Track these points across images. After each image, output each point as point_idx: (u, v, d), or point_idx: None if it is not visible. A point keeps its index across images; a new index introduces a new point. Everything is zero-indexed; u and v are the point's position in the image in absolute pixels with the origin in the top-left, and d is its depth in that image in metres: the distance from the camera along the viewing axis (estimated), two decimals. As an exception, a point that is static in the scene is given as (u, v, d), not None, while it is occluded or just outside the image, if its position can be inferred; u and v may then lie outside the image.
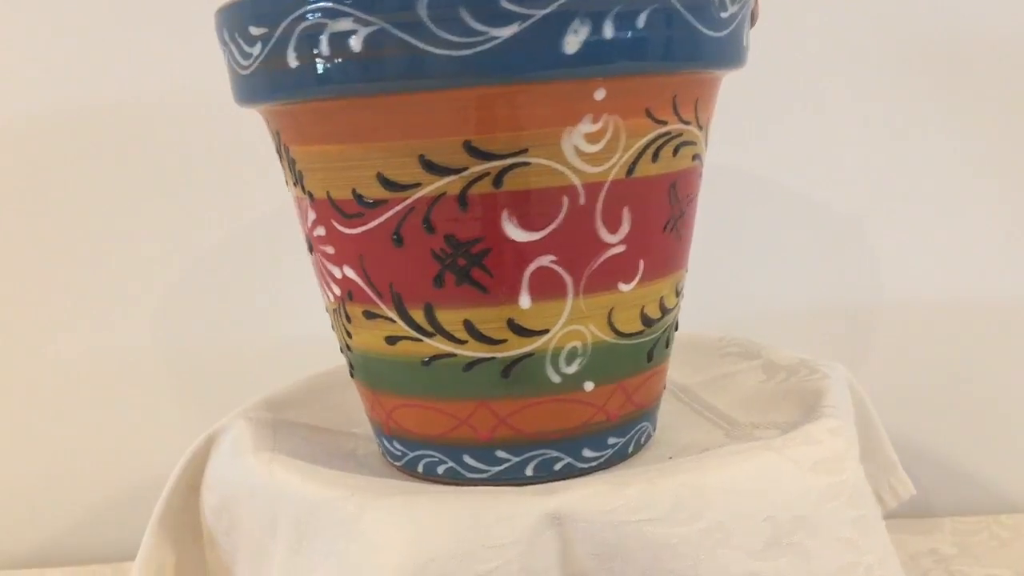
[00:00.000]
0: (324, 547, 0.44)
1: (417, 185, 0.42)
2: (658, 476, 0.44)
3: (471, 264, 0.43)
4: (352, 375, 0.51)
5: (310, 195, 0.46)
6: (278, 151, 0.48)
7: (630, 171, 0.43)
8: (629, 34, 0.40)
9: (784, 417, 0.52)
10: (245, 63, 0.44)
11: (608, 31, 0.40)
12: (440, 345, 0.45)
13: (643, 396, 0.48)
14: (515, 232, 0.42)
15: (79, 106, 0.78)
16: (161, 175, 0.79)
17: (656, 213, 0.45)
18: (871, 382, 0.58)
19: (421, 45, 0.39)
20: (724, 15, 0.43)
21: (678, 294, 0.49)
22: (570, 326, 0.44)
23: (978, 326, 0.82)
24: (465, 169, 0.42)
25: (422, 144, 0.41)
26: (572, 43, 0.39)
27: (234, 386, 0.59)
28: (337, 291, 0.47)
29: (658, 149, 0.44)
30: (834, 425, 0.48)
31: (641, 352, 0.47)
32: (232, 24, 0.44)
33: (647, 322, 0.47)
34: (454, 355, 0.45)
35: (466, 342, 0.44)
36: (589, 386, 0.46)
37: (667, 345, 0.49)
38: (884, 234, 0.81)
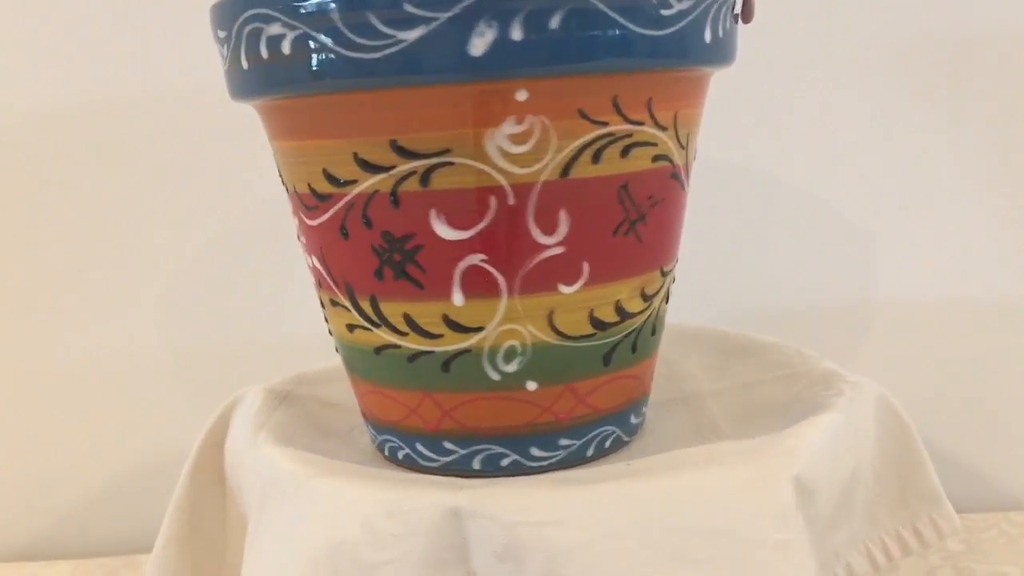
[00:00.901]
0: (270, 517, 0.47)
1: (354, 182, 0.44)
2: (575, 481, 0.44)
3: (405, 260, 0.44)
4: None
5: (286, 187, 0.49)
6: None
7: (565, 172, 0.43)
8: (542, 36, 0.40)
9: (770, 432, 0.49)
10: (222, 62, 0.47)
11: (517, 33, 0.39)
12: (386, 336, 0.46)
13: (601, 400, 0.48)
14: (444, 230, 0.43)
15: (81, 102, 0.80)
16: (164, 170, 0.81)
17: (602, 215, 0.44)
18: (878, 380, 0.54)
19: (337, 48, 0.41)
20: (667, 12, 0.42)
21: (648, 298, 0.48)
22: (506, 325, 0.44)
23: (986, 323, 0.82)
24: (394, 167, 0.43)
25: (355, 143, 0.43)
26: (479, 45, 0.40)
27: (238, 379, 0.62)
28: (313, 279, 0.50)
29: (599, 150, 0.43)
30: (792, 444, 0.45)
31: (594, 355, 0.46)
32: (211, 25, 0.47)
33: (599, 325, 0.46)
34: (399, 346, 0.46)
35: (407, 334, 0.46)
36: (532, 386, 0.46)
37: (634, 350, 0.48)
38: (888, 232, 0.81)
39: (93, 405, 0.85)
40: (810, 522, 0.44)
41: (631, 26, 0.41)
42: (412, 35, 0.40)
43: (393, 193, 0.43)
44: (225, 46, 0.46)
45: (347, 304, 0.47)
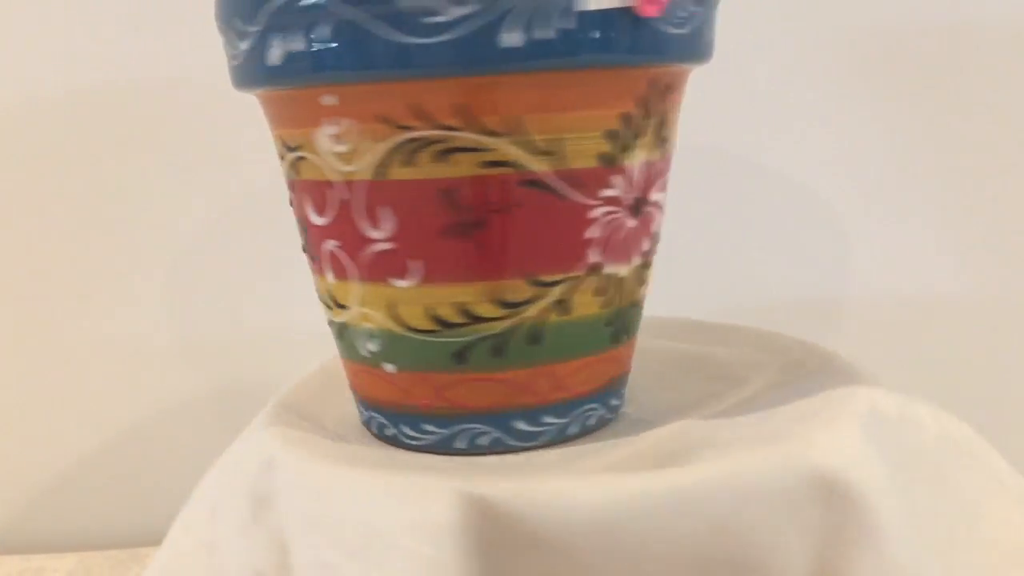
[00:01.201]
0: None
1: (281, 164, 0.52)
2: (365, 463, 0.47)
3: (303, 238, 0.51)
4: None
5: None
6: None
7: (382, 173, 0.45)
8: (319, 48, 0.43)
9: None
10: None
11: (299, 45, 0.43)
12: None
13: (460, 397, 0.48)
14: (312, 215, 0.49)
15: (84, 90, 0.81)
16: (168, 156, 0.83)
17: (427, 217, 0.45)
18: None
19: (227, 54, 0.49)
20: (438, 20, 0.41)
21: (510, 305, 0.46)
22: (363, 308, 0.48)
23: (972, 318, 0.84)
24: (284, 156, 0.50)
25: (275, 131, 0.51)
26: (274, 57, 0.44)
27: (247, 367, 0.66)
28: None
29: (411, 153, 0.44)
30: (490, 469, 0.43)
31: (442, 351, 0.47)
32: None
33: (442, 323, 0.47)
34: (328, 311, 0.53)
35: (324, 303, 0.52)
36: (389, 368, 0.49)
37: (497, 354, 0.47)
38: (863, 227, 0.83)
39: (103, 397, 0.86)
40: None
41: (400, 36, 0.41)
42: (244, 46, 0.46)
43: (288, 178, 0.50)
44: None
45: None
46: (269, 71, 0.45)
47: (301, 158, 0.48)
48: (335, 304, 0.50)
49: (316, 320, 0.60)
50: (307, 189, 0.48)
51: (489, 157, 0.44)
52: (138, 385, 0.86)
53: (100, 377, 0.86)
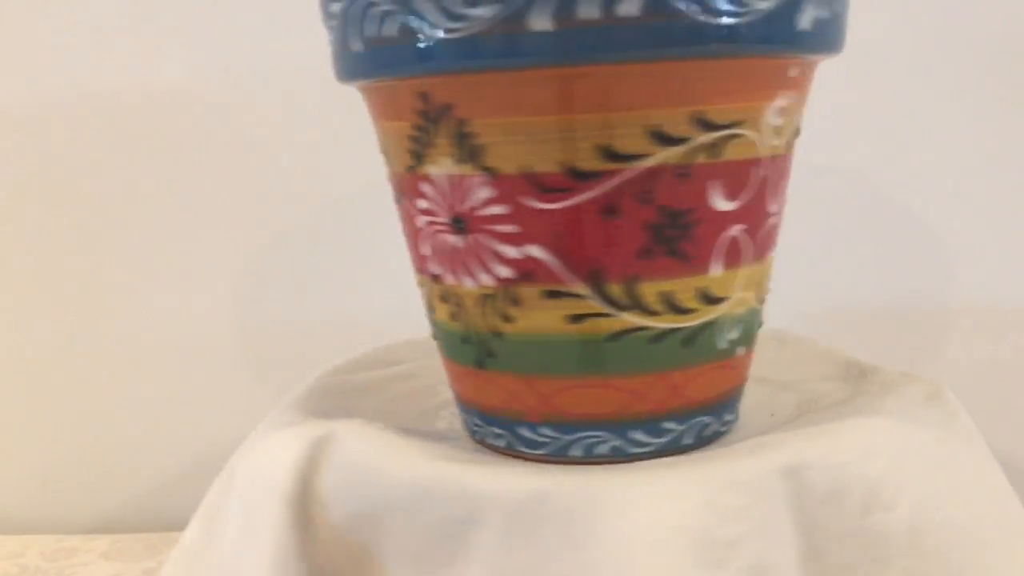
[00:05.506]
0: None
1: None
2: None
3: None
4: (483, 366, 0.45)
5: (488, 170, 0.42)
6: (428, 127, 0.42)
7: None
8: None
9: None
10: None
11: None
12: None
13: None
14: (719, 203, 0.42)
15: (149, 80, 0.81)
16: (242, 151, 0.82)
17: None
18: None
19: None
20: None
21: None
22: (744, 292, 0.45)
23: None
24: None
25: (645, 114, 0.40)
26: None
27: (306, 358, 0.61)
28: (506, 273, 0.42)
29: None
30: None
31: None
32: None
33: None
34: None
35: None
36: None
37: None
38: (967, 237, 0.80)
39: (163, 383, 0.86)
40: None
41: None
42: None
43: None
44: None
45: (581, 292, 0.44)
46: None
47: (733, 136, 0.41)
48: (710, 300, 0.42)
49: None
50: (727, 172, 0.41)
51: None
52: (188, 375, 0.86)
53: (147, 364, 0.86)
